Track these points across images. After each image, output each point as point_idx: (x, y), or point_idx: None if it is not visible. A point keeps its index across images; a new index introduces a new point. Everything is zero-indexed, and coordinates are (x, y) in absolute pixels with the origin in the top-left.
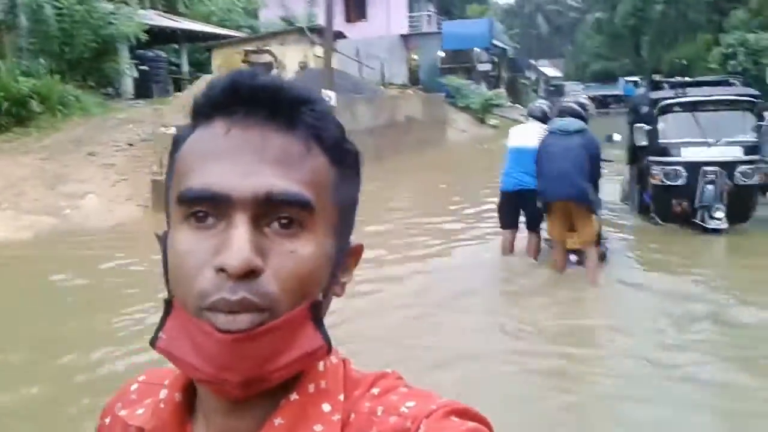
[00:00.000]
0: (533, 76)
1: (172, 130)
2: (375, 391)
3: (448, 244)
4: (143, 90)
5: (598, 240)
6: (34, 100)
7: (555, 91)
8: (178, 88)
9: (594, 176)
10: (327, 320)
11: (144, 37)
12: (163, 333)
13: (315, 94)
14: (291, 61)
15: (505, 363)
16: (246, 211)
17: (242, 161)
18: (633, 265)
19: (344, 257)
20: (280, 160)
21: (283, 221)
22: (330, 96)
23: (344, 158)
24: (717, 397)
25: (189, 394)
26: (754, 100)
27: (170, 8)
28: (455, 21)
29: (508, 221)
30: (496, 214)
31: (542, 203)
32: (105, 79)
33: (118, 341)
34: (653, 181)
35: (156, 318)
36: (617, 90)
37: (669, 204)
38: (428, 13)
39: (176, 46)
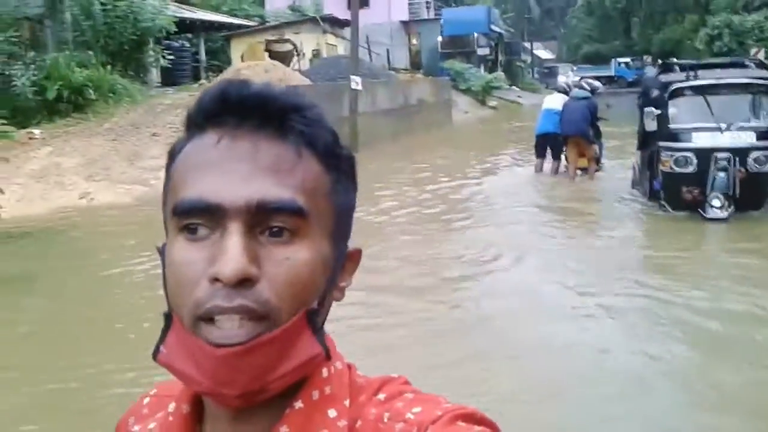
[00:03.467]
0: (528, 59)
1: None
2: (381, 396)
3: (491, 173)
4: (168, 78)
5: (597, 160)
6: (90, 89)
7: (549, 73)
8: (197, 76)
9: (593, 123)
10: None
11: (174, 29)
12: (164, 347)
13: (306, 101)
14: (306, 49)
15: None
16: (239, 220)
17: (234, 170)
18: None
19: (343, 262)
20: (272, 168)
21: (277, 229)
22: (357, 81)
23: (338, 164)
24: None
25: (197, 405)
26: None
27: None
28: (455, 8)
29: (540, 152)
30: (508, 165)
31: (563, 138)
32: (142, 68)
33: None
34: (663, 168)
35: None
36: (609, 71)
37: (679, 191)
38: (427, 0)
39: (189, 35)
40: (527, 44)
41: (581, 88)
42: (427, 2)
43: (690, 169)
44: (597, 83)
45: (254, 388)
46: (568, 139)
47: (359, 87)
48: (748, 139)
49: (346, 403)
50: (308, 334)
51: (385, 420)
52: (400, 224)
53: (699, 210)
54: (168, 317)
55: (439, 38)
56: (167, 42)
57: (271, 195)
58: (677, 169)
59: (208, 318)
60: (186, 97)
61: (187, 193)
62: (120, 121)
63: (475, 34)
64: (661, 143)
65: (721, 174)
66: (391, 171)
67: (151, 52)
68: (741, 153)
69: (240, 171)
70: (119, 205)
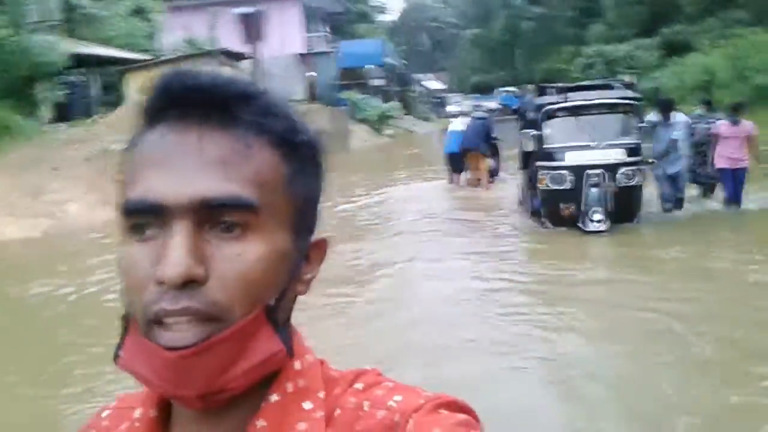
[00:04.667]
0: (421, 89)
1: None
2: (359, 386)
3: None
4: (61, 114)
5: (490, 172)
6: None
7: (439, 102)
8: (89, 113)
9: (488, 140)
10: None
11: (68, 64)
12: (122, 351)
13: (255, 89)
14: None
15: None
16: (184, 219)
17: (178, 166)
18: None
19: (306, 253)
20: (219, 161)
21: (225, 224)
22: None
23: (297, 152)
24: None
25: (164, 409)
26: (635, 102)
27: (69, 32)
28: (351, 41)
29: (451, 168)
30: (406, 182)
31: (463, 151)
32: (33, 104)
33: None
34: (541, 186)
35: None
36: (493, 101)
37: (557, 208)
38: (324, 33)
39: (83, 70)
40: (420, 75)
41: (478, 112)
42: (325, 36)
43: (565, 186)
44: (493, 105)
45: (212, 389)
46: (468, 152)
47: None
48: (617, 155)
49: (321, 395)
50: (267, 330)
51: (366, 408)
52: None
53: (578, 224)
54: (125, 320)
55: (336, 70)
56: (62, 77)
57: (217, 191)
58: (553, 187)
59: (158, 321)
60: (81, 132)
61: (132, 192)
62: (16, 157)
63: (371, 66)
64: (538, 162)
65: (594, 189)
66: None
67: (43, 88)
68: (611, 169)
69: (184, 167)
70: (28, 239)
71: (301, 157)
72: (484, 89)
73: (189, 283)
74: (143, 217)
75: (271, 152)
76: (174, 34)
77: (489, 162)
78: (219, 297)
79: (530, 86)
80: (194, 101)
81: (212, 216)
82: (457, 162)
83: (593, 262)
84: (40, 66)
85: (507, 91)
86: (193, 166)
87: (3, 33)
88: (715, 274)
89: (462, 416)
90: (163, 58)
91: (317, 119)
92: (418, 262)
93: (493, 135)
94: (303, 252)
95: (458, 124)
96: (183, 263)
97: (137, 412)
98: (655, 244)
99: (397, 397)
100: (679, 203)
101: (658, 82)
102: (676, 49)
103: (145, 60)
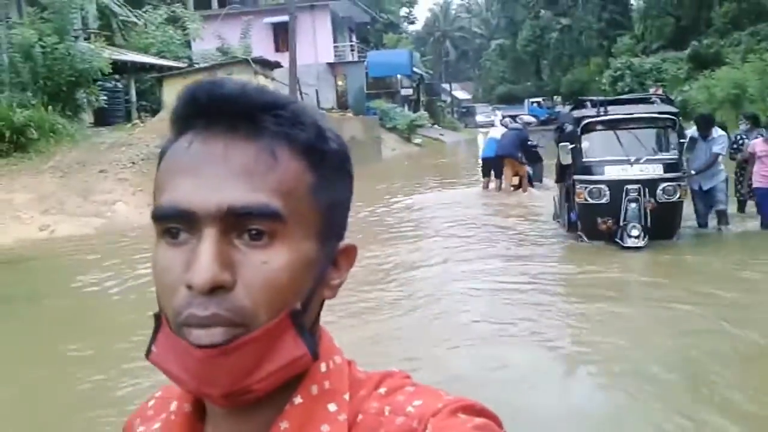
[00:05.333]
0: (447, 99)
1: None
2: (382, 390)
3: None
4: (101, 118)
5: (528, 177)
6: (32, 128)
7: (467, 112)
8: (129, 117)
9: (523, 148)
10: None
11: (109, 70)
12: (155, 346)
13: (282, 98)
14: None
15: None
16: (213, 226)
17: (206, 175)
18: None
19: (334, 259)
20: (245, 171)
21: (253, 232)
22: None
23: (323, 160)
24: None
25: (199, 404)
26: (675, 117)
27: (108, 40)
28: (379, 51)
29: (485, 173)
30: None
31: (500, 158)
32: (77, 108)
33: None
34: (578, 200)
35: None
36: (523, 110)
37: (595, 222)
38: (351, 43)
39: (118, 76)
40: (446, 85)
41: (516, 122)
42: (351, 46)
43: (603, 200)
44: (529, 119)
45: (237, 389)
46: (504, 160)
47: None
48: (656, 171)
49: (346, 397)
50: (292, 335)
51: (386, 413)
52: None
53: (617, 240)
54: (158, 318)
55: (365, 79)
56: (100, 83)
57: (242, 200)
58: (591, 201)
59: (188, 324)
60: (125, 136)
61: (163, 198)
62: (63, 159)
63: (399, 76)
64: (576, 176)
65: (633, 205)
66: None
67: (86, 93)
68: (650, 184)
69: (212, 175)
70: (81, 236)
71: (328, 165)
72: (509, 99)
73: (216, 289)
74: (174, 223)
75: (297, 161)
76: (208, 42)
77: (525, 169)
78: (245, 303)
79: (557, 98)
80: (221, 111)
81: (239, 224)
82: (492, 167)
83: (630, 271)
84: (83, 72)
85: (535, 102)
86: (221, 175)
87: (50, 41)
88: (757, 285)
89: (480, 420)
90: (197, 66)
91: (350, 128)
92: (451, 264)
93: (532, 142)
94: (330, 258)
95: (496, 132)
96: (210, 270)
97: (173, 405)
98: (694, 260)
99: (417, 402)
100: (723, 216)
101: (687, 95)
102: (705, 62)
103: (180, 67)
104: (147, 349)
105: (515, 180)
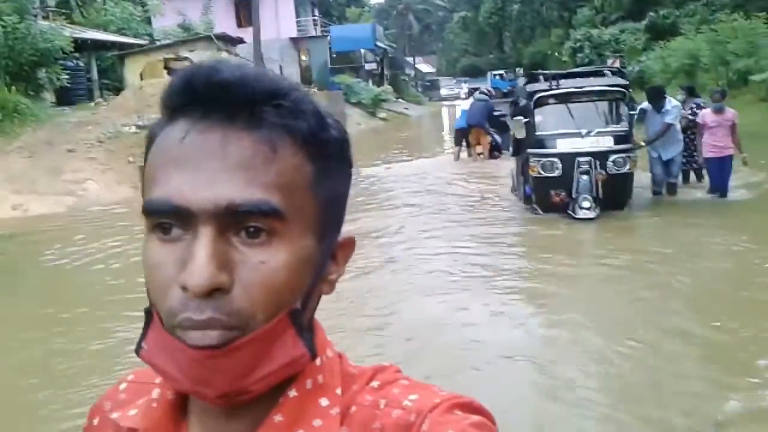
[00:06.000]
0: (411, 73)
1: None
2: (375, 384)
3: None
4: (63, 98)
5: (491, 146)
6: None
7: (431, 86)
8: (91, 95)
9: (489, 119)
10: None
11: (71, 49)
12: (145, 343)
13: (285, 86)
14: None
15: None
16: (209, 224)
17: (203, 169)
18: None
19: (332, 253)
20: (244, 165)
21: (251, 230)
22: None
23: (324, 150)
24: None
25: (182, 394)
26: (625, 90)
27: (67, 18)
28: (342, 25)
29: (458, 141)
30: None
31: (468, 126)
32: (39, 88)
33: None
34: (532, 173)
35: None
36: (486, 83)
37: (548, 194)
38: (314, 18)
39: (78, 55)
40: (410, 59)
41: (482, 93)
42: (314, 20)
43: (556, 173)
44: (492, 90)
45: (234, 390)
46: (471, 128)
47: None
48: (606, 143)
49: (338, 391)
50: (291, 334)
51: (382, 406)
52: None
53: (568, 211)
54: (148, 313)
55: (328, 54)
56: (62, 62)
57: (241, 197)
58: (544, 174)
59: (183, 327)
60: (89, 115)
61: (155, 192)
62: (29, 139)
63: (362, 50)
64: (530, 150)
65: (584, 177)
66: None
67: (48, 72)
68: (601, 156)
69: (209, 169)
70: (54, 214)
71: (328, 155)
72: (473, 72)
73: (213, 291)
74: (167, 218)
75: (296, 153)
76: (169, 18)
77: (489, 138)
78: (243, 305)
79: (519, 70)
80: (219, 100)
81: (237, 221)
82: (461, 138)
83: (580, 247)
84: (45, 52)
85: (497, 74)
86: (218, 170)
87: (10, 20)
88: (712, 256)
89: (476, 418)
90: (159, 43)
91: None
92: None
93: (500, 111)
94: (329, 252)
95: (466, 104)
96: (207, 272)
97: (155, 393)
98: (645, 235)
99: (413, 396)
100: (672, 188)
101: (644, 66)
102: (661, 32)
103: (141, 45)
104: (137, 345)
105: (479, 149)
